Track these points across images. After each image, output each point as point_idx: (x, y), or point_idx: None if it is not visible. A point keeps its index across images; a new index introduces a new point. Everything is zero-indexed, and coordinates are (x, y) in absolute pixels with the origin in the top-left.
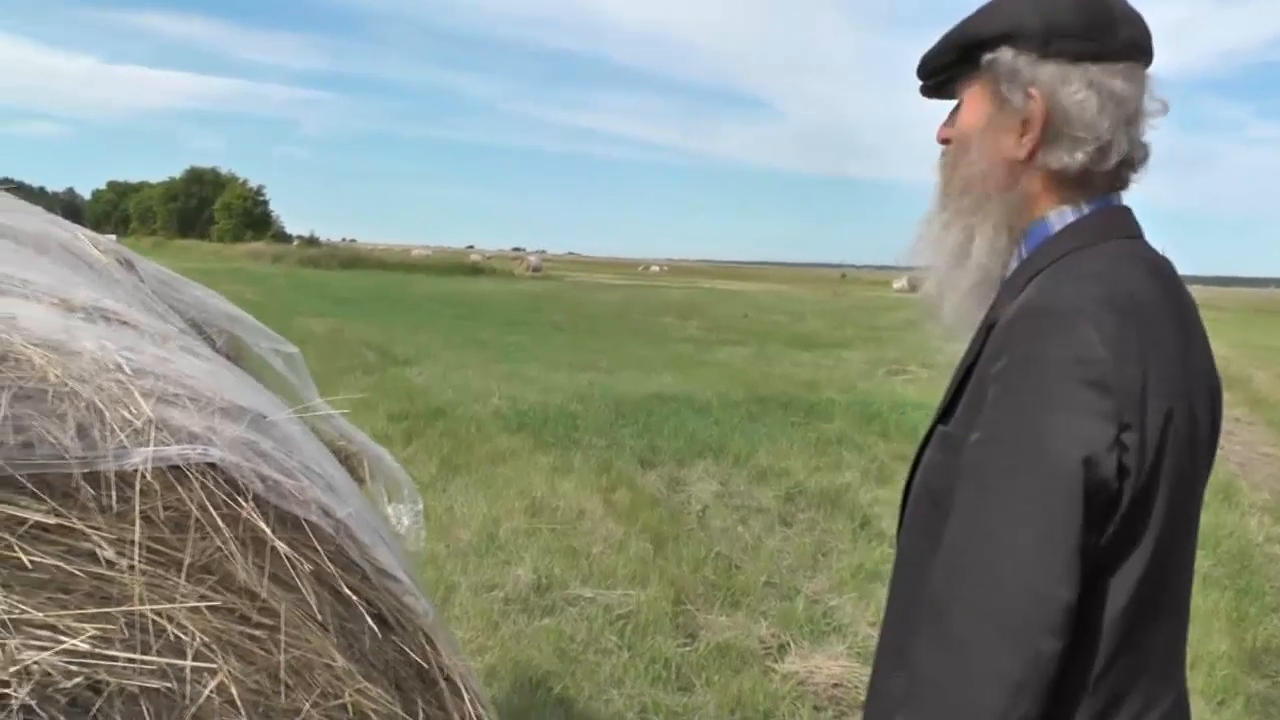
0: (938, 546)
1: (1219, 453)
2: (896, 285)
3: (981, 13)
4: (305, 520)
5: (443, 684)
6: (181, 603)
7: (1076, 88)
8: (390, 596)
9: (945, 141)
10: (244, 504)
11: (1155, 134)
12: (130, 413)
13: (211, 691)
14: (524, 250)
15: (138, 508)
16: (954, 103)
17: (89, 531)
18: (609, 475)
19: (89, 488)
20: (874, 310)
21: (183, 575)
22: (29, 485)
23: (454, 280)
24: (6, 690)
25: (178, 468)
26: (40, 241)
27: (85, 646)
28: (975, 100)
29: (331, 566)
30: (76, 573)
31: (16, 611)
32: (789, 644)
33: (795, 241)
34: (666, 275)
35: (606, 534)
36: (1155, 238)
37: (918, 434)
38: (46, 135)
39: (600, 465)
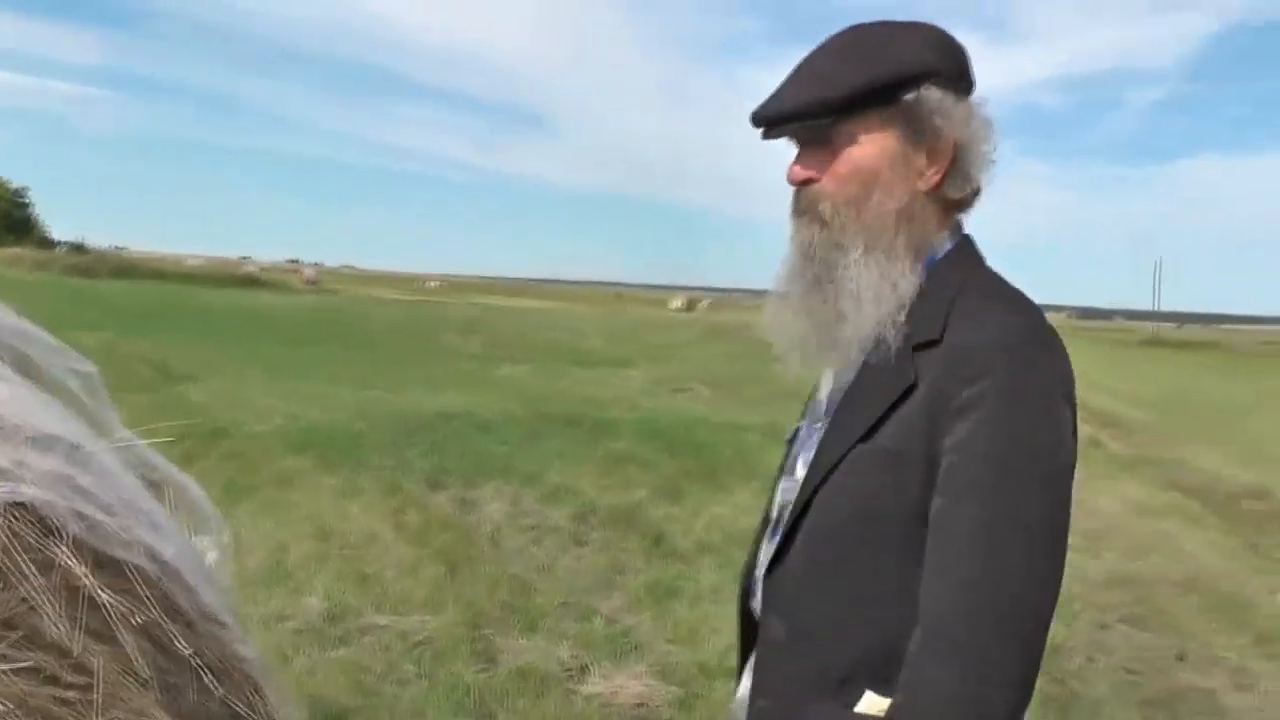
0: (881, 566)
1: None
2: (672, 304)
3: (888, 53)
4: (128, 564)
5: None
6: None
7: (974, 122)
8: (217, 644)
9: (807, 181)
10: (59, 548)
11: None
12: None
13: None
14: (300, 262)
15: None
16: (784, 140)
17: None
18: (398, 497)
19: None
20: (653, 328)
21: None
22: None
23: (230, 292)
24: None
25: None
26: None
27: None
28: (877, 137)
29: (155, 614)
30: None
31: None
32: (590, 665)
33: (573, 259)
34: (445, 291)
35: (399, 558)
36: None
37: (706, 450)
38: None
39: (389, 487)
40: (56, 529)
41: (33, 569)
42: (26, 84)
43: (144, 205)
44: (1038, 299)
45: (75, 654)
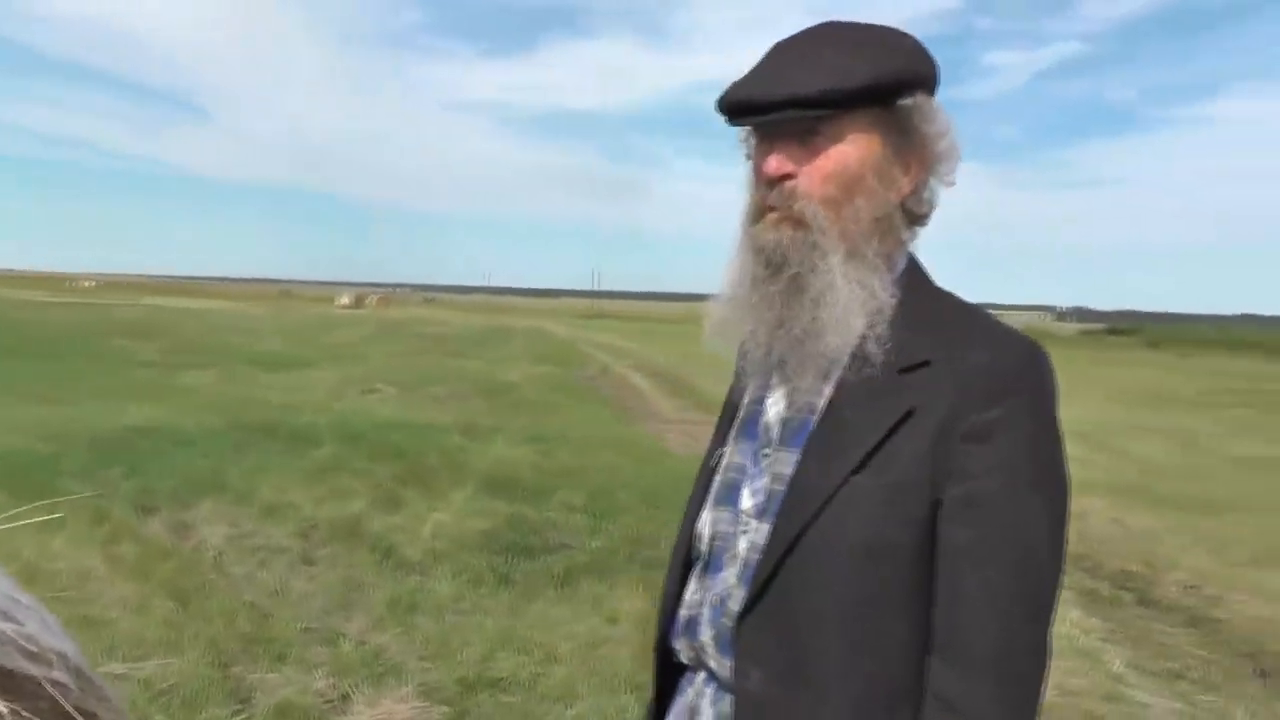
0: (888, 604)
1: None
2: (341, 300)
3: (894, 53)
4: (18, 681)
5: None
6: None
7: (948, 138)
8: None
9: (785, 177)
10: None
11: (588, 160)
12: None
13: None
14: None
15: None
16: (748, 133)
17: None
18: (106, 526)
19: None
20: (326, 327)
21: None
22: None
23: None
24: None
25: None
26: None
27: None
28: (865, 138)
29: None
30: None
31: None
32: (349, 692)
33: (236, 255)
34: (102, 291)
35: (121, 596)
36: (599, 253)
37: (410, 454)
38: None
39: (94, 515)
40: None
41: None
42: None
43: None
44: None
45: None
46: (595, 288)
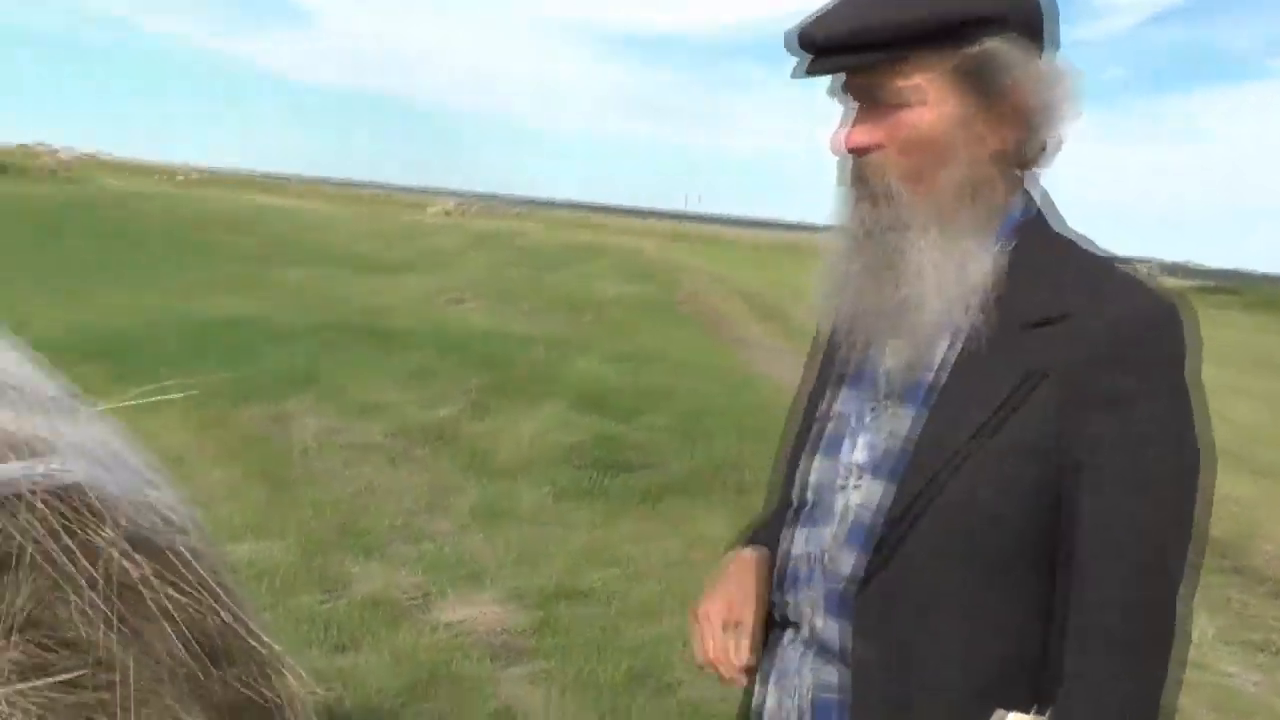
0: (1012, 575)
1: None
2: (431, 210)
3: None
4: (171, 549)
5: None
6: (6, 678)
7: (1048, 77)
8: (241, 626)
9: (866, 150)
10: (100, 530)
11: (681, 81)
12: None
13: None
14: (45, 145)
15: None
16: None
17: None
18: (201, 413)
19: None
20: (419, 234)
21: (10, 636)
22: None
23: None
24: None
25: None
26: None
27: None
28: (944, 97)
29: (191, 602)
30: None
31: None
32: (432, 592)
33: (331, 158)
34: (200, 184)
35: (214, 482)
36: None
37: (502, 363)
38: None
39: (189, 402)
40: (100, 511)
41: (70, 555)
42: None
43: None
44: None
45: (107, 652)
46: (686, 209)
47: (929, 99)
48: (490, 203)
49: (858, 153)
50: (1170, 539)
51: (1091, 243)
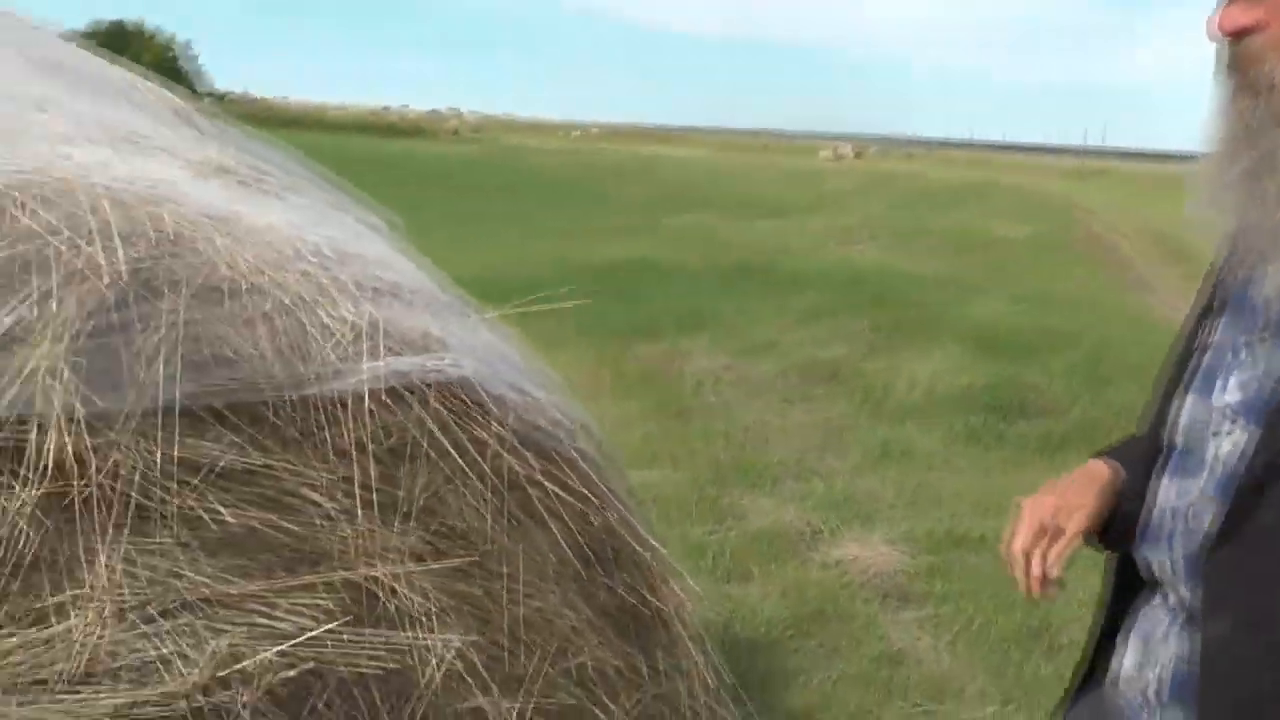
0: None
1: None
2: (822, 154)
3: None
4: (556, 450)
5: (676, 630)
6: (401, 560)
7: None
8: (629, 532)
9: (1243, 31)
10: (489, 428)
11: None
12: (346, 312)
13: (442, 666)
14: (450, 109)
15: (366, 440)
16: None
17: (292, 472)
18: (600, 348)
19: (291, 414)
20: (811, 177)
21: (407, 522)
22: (217, 415)
23: (384, 142)
24: (228, 694)
25: (406, 384)
26: (114, 86)
27: (299, 626)
28: None
29: (577, 501)
30: (282, 526)
31: (211, 585)
32: (823, 530)
33: (714, 107)
34: (597, 139)
35: (611, 412)
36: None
37: (897, 304)
38: None
39: (592, 338)
40: (485, 407)
41: (460, 449)
42: None
43: (294, 56)
44: None
45: (495, 545)
46: (1086, 144)
47: None
48: (882, 144)
49: (1235, 36)
50: None
51: None
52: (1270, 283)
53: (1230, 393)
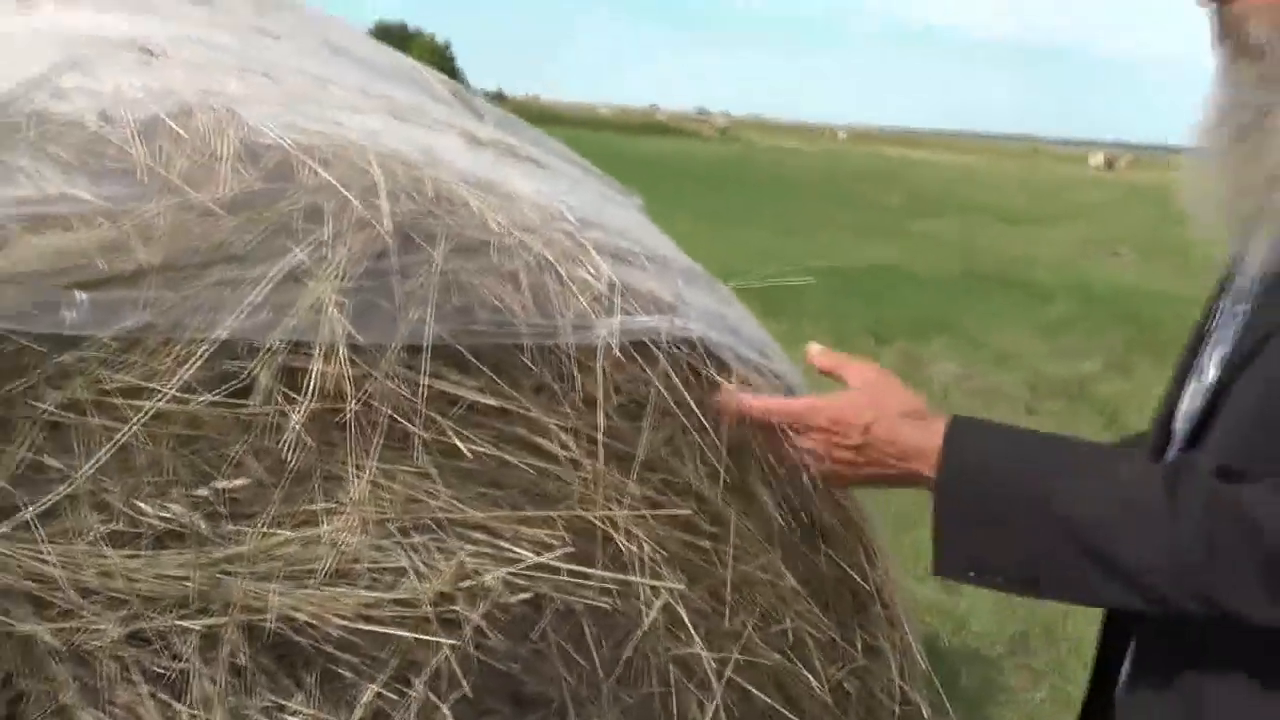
0: None
1: None
2: (1093, 161)
3: None
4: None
5: (878, 609)
6: (629, 508)
7: None
8: (835, 504)
9: None
10: (718, 388)
11: None
12: (590, 273)
13: (657, 612)
14: (708, 111)
15: (600, 390)
16: None
17: (535, 417)
18: (844, 348)
19: (538, 362)
20: (1071, 186)
21: (632, 474)
22: (469, 357)
23: (642, 140)
24: (456, 609)
25: (641, 343)
26: (399, 70)
27: (529, 555)
28: None
29: (790, 471)
30: (522, 464)
31: (453, 509)
32: None
33: (982, 110)
34: (851, 142)
35: None
36: None
37: (1147, 322)
38: None
39: (834, 338)
40: (717, 371)
41: (690, 410)
42: None
43: (556, 57)
44: None
45: (712, 502)
46: None
47: None
48: (1155, 154)
49: (1218, 1)
50: None
51: None
52: (1253, 254)
53: (1210, 372)
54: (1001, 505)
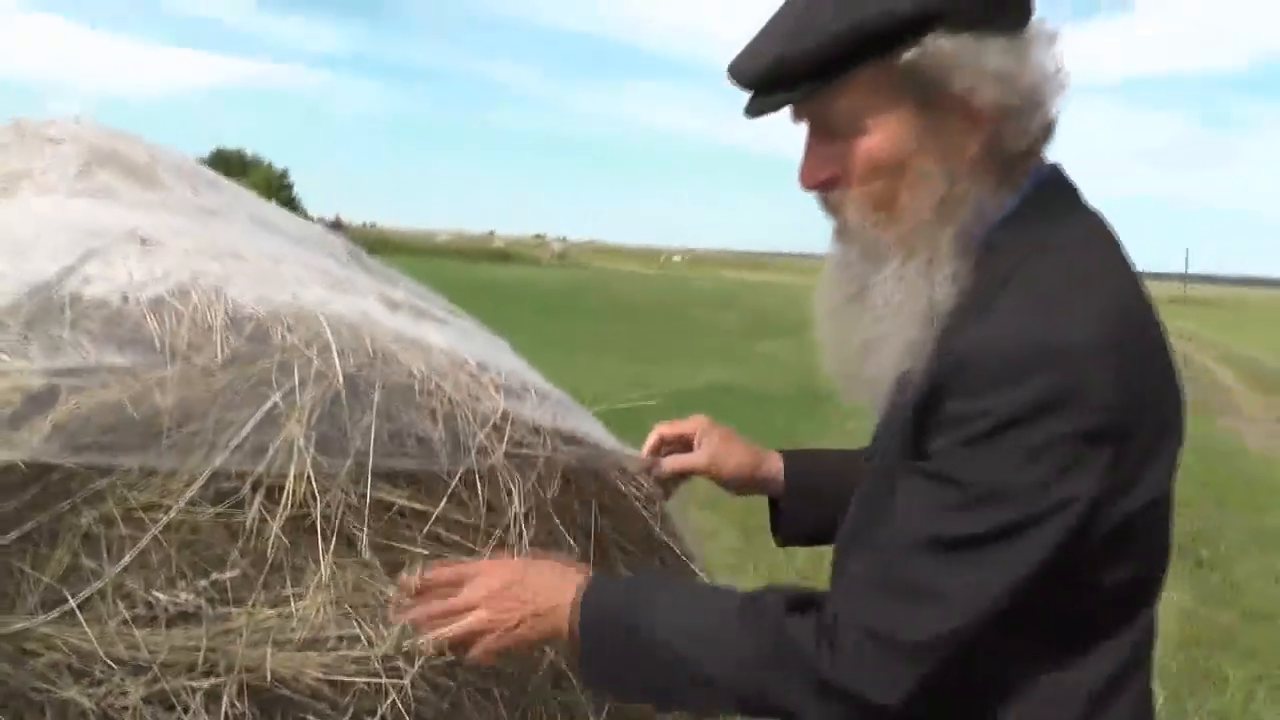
0: None
1: None
2: None
3: None
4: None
5: None
6: None
7: (1012, 62)
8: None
9: (824, 184)
10: (592, 494)
11: (1176, 129)
12: (488, 407)
13: (547, 665)
14: (545, 236)
15: (500, 499)
16: (782, 115)
17: (452, 517)
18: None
19: (447, 478)
20: None
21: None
22: (403, 475)
23: (481, 267)
24: (398, 665)
25: (527, 458)
26: (309, 236)
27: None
28: (889, 116)
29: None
30: (442, 555)
31: (391, 591)
32: None
33: (813, 230)
34: (688, 265)
35: (693, 520)
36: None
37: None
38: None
39: None
40: (588, 479)
41: (555, 515)
42: (280, 71)
43: (393, 183)
44: None
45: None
46: (1186, 270)
47: (878, 118)
48: None
49: (818, 189)
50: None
51: (1100, 226)
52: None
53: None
54: (619, 643)
